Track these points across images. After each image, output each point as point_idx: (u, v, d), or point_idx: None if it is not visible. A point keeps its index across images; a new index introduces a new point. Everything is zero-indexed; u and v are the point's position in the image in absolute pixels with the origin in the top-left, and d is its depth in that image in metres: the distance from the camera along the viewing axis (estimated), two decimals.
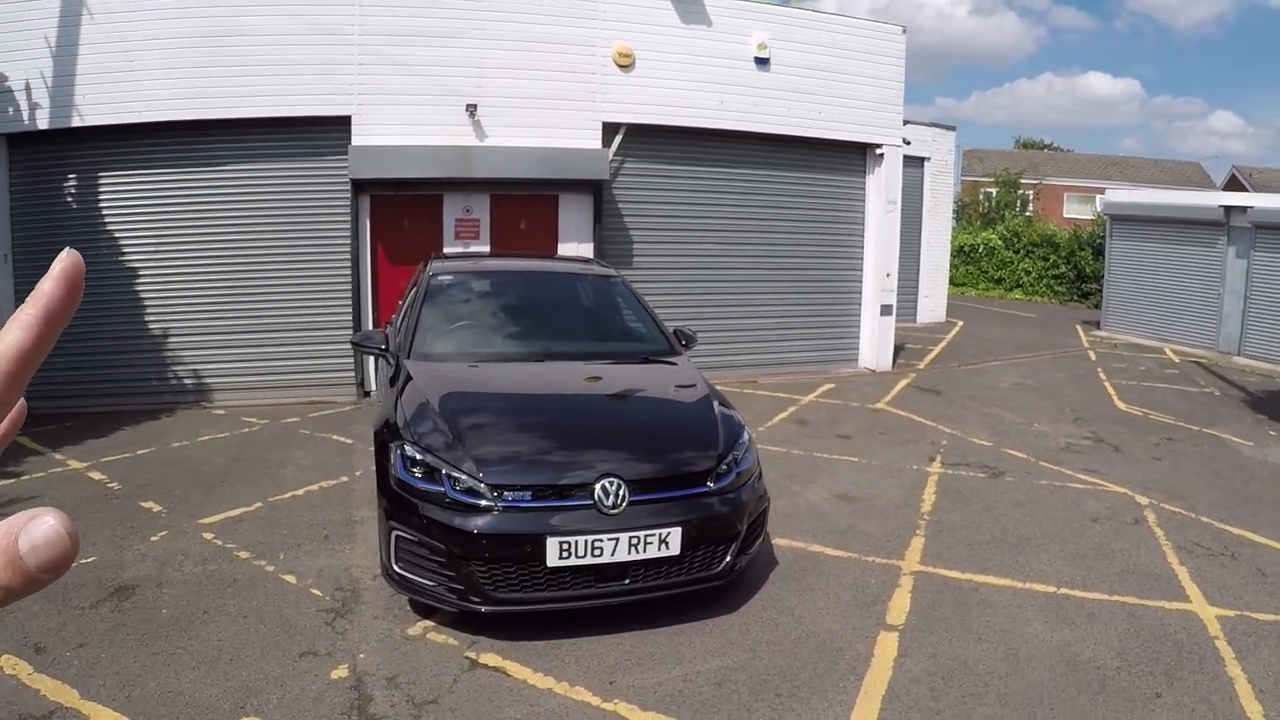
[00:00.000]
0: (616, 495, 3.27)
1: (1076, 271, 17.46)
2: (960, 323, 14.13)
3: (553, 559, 3.18)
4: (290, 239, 7.76)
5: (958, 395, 8.64)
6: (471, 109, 7.68)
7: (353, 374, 7.94)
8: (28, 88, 7.12)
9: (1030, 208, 23.49)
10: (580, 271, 5.46)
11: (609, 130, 8.22)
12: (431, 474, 3.34)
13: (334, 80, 7.51)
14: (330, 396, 7.84)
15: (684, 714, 2.93)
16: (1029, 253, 18.44)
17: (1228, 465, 6.33)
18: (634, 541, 3.23)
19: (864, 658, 3.32)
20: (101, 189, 7.50)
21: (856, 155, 9.51)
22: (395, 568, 3.38)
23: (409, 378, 4.01)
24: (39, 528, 0.34)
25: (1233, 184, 25.18)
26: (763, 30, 8.67)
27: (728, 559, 3.51)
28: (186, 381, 7.71)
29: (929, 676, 3.20)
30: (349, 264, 7.82)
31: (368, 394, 7.93)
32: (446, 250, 7.68)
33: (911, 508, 5.20)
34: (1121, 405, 8.39)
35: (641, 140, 8.42)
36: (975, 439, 6.93)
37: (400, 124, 7.61)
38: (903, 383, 9.19)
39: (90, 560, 3.99)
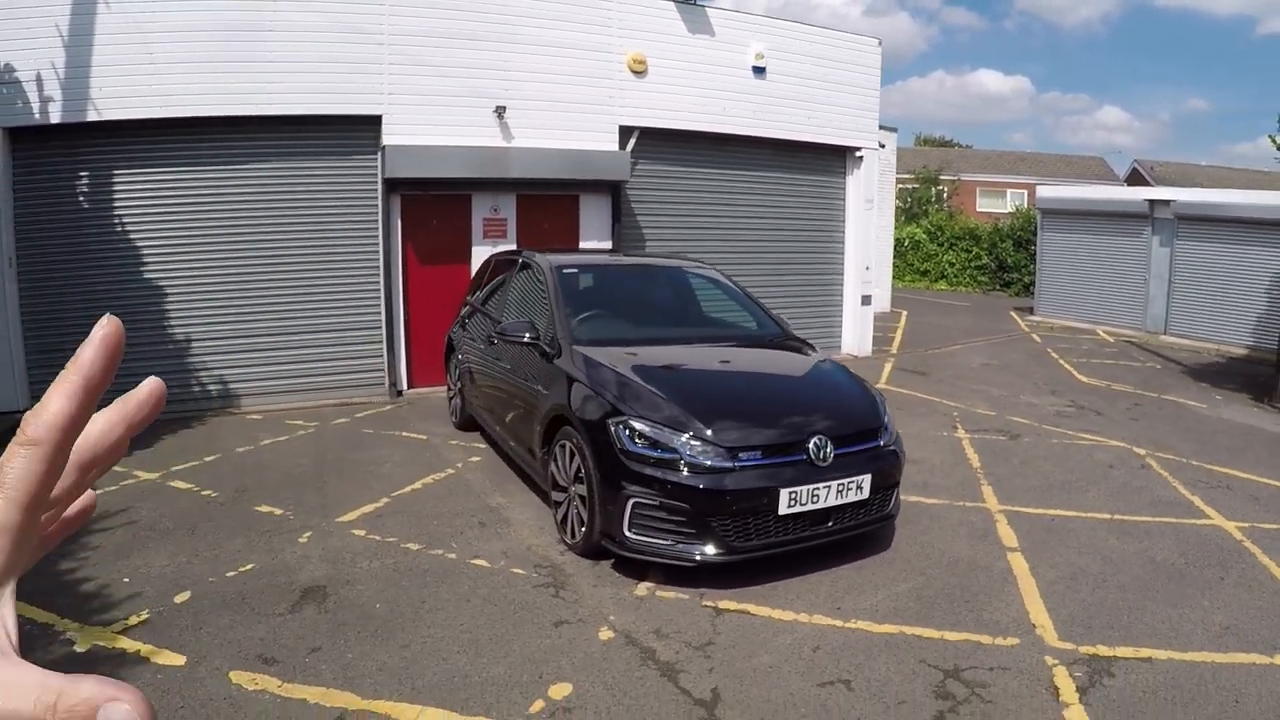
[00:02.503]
0: (825, 450, 3.80)
1: (998, 263, 19.23)
2: (905, 312, 15.36)
3: (783, 508, 3.68)
4: (317, 239, 7.66)
5: (942, 375, 9.59)
6: (500, 111, 7.85)
7: (383, 374, 7.94)
8: (38, 79, 6.71)
9: (947, 203, 25.45)
10: (685, 267, 5.84)
11: (624, 133, 8.58)
12: (656, 443, 3.72)
13: (363, 79, 7.48)
14: (362, 398, 7.81)
15: (910, 621, 3.56)
16: (952, 245, 20.13)
17: (1193, 423, 7.54)
18: (840, 488, 3.80)
19: (1006, 571, 4.11)
20: (116, 188, 7.15)
21: (838, 158, 10.31)
22: (629, 533, 3.74)
23: (590, 361, 4.32)
24: (116, 712, 0.34)
25: (1134, 177, 28.15)
26: (760, 41, 9.29)
27: (892, 501, 4.19)
28: (211, 388, 7.48)
29: (1061, 580, 4.03)
30: (378, 264, 7.81)
31: (400, 393, 7.95)
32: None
33: (964, 465, 6.00)
34: (1083, 379, 9.60)
35: (652, 143, 8.83)
36: (979, 410, 7.83)
37: (429, 124, 7.69)
38: (888, 366, 10.08)
39: (250, 567, 4.01)
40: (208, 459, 5.93)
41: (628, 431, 3.79)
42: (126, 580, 3.85)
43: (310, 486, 5.26)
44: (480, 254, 8.06)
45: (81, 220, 7.11)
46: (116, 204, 7.17)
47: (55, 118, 6.80)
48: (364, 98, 7.50)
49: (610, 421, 3.84)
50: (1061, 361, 10.74)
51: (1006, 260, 18.94)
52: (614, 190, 8.60)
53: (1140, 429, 7.21)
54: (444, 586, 3.82)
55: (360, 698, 2.93)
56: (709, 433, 3.74)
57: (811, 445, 3.81)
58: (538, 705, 2.91)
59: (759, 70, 9.28)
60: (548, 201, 8.38)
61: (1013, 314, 15.61)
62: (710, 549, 3.67)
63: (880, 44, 10.29)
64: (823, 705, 2.94)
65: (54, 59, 6.77)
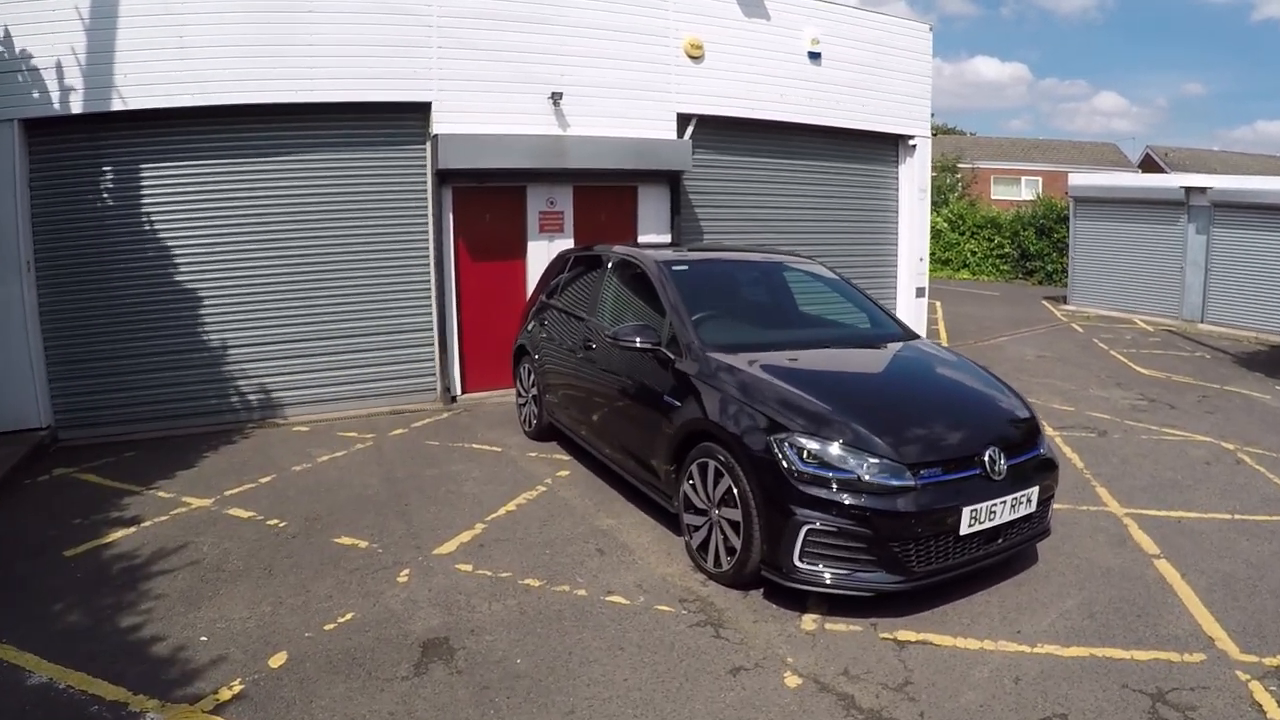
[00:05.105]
0: (1000, 462, 3.49)
1: (1020, 251, 18.95)
2: (939, 302, 15.04)
3: (965, 527, 3.35)
4: (363, 235, 7.14)
5: (1003, 369, 9.21)
6: (556, 97, 7.36)
7: (435, 379, 7.44)
8: (57, 66, 6.11)
9: (964, 191, 25.12)
10: (787, 262, 5.40)
11: (682, 121, 8.12)
12: (828, 463, 3.32)
13: (411, 64, 6.95)
14: (414, 404, 7.32)
15: (1093, 641, 3.33)
16: (974, 234, 19.83)
17: (1265, 415, 7.28)
18: (1014, 503, 3.51)
19: (1160, 580, 3.91)
20: (144, 183, 6.57)
21: (890, 146, 9.91)
22: (799, 563, 3.32)
23: (728, 369, 3.87)
24: None
25: (1148, 163, 28.08)
26: (814, 26, 8.85)
27: (1050, 512, 3.90)
28: (251, 398, 6.94)
29: (1215, 586, 3.83)
30: (428, 260, 7.30)
31: (454, 399, 7.46)
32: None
33: (1068, 465, 5.74)
34: (1142, 370, 9.32)
35: (708, 131, 8.37)
36: (1056, 405, 7.52)
37: (481, 112, 7.17)
38: None
39: (350, 617, 3.48)
40: (263, 480, 5.40)
41: (796, 450, 3.37)
42: (205, 639, 3.30)
43: (390, 511, 4.77)
44: (536, 249, 7.60)
45: (106, 219, 6.53)
46: (144, 200, 6.59)
47: (76, 108, 6.22)
48: (412, 83, 6.96)
49: (774, 438, 3.41)
50: (1112, 352, 10.47)
51: (1029, 248, 18.65)
52: (672, 181, 8.14)
53: (1218, 423, 6.97)
54: (587, 632, 3.36)
55: None
56: (888, 448, 3.34)
57: (986, 458, 3.48)
58: None
59: (814, 56, 8.84)
60: (605, 193, 7.90)
61: (1045, 303, 15.32)
62: (892, 577, 3.31)
63: (931, 29, 9.89)
64: None
65: (75, 44, 6.18)
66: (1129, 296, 13.69)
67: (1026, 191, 26.11)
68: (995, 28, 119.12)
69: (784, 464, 3.35)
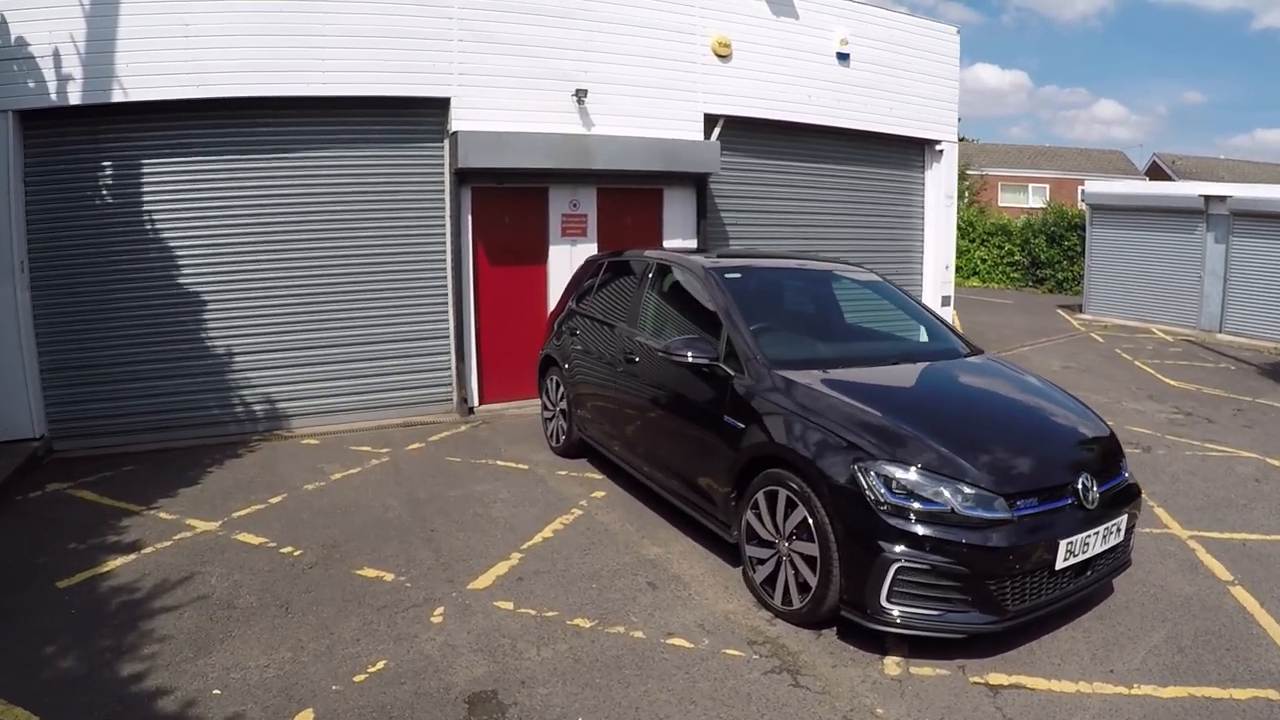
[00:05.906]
0: (1093, 490, 3.27)
1: (1031, 258, 18.74)
2: (953, 311, 14.78)
3: (1060, 561, 3.12)
4: (376, 237, 6.77)
5: None
6: (580, 95, 7.02)
7: (451, 389, 7.08)
8: (55, 55, 5.73)
9: (972, 198, 24.91)
10: (837, 270, 5.07)
11: (709, 121, 7.81)
12: (916, 494, 3.03)
13: (430, 57, 6.60)
14: (430, 416, 6.95)
15: (1189, 680, 3.11)
16: (984, 241, 19.62)
17: None
18: (1106, 533, 3.29)
19: (1240, 610, 3.70)
20: (145, 179, 6.19)
21: (916, 151, 9.64)
22: (887, 603, 3.01)
23: (798, 387, 3.55)
24: None
25: (1155, 170, 28.00)
26: (843, 26, 8.57)
27: (1132, 540, 3.64)
28: (256, 408, 6.56)
29: None
30: (445, 264, 6.94)
31: (471, 410, 7.10)
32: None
33: None
34: (1171, 382, 9.07)
35: (735, 132, 8.06)
36: None
37: (502, 109, 6.83)
38: None
39: (382, 665, 3.10)
40: (273, 500, 5.02)
41: (882, 479, 3.05)
42: (217, 692, 2.92)
43: (416, 538, 4.40)
44: (558, 254, 7.26)
45: (105, 217, 6.14)
46: (145, 198, 6.21)
47: (75, 99, 5.84)
48: (430, 77, 6.62)
49: (858, 466, 3.09)
50: (1137, 363, 10.23)
51: (1040, 256, 18.44)
52: (699, 183, 7.82)
53: (1259, 437, 6.76)
54: (652, 682, 3.00)
55: None
56: (982, 477, 3.06)
57: (1080, 485, 3.24)
58: None
59: (842, 57, 8.56)
60: (630, 195, 7.56)
61: (1060, 312, 15.10)
62: (986, 617, 3.04)
63: (958, 32, 9.63)
64: None
65: (74, 31, 5.80)
66: (1146, 305, 13.49)
67: (1034, 198, 25.96)
68: (996, 35, 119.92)
69: (869, 495, 3.04)
